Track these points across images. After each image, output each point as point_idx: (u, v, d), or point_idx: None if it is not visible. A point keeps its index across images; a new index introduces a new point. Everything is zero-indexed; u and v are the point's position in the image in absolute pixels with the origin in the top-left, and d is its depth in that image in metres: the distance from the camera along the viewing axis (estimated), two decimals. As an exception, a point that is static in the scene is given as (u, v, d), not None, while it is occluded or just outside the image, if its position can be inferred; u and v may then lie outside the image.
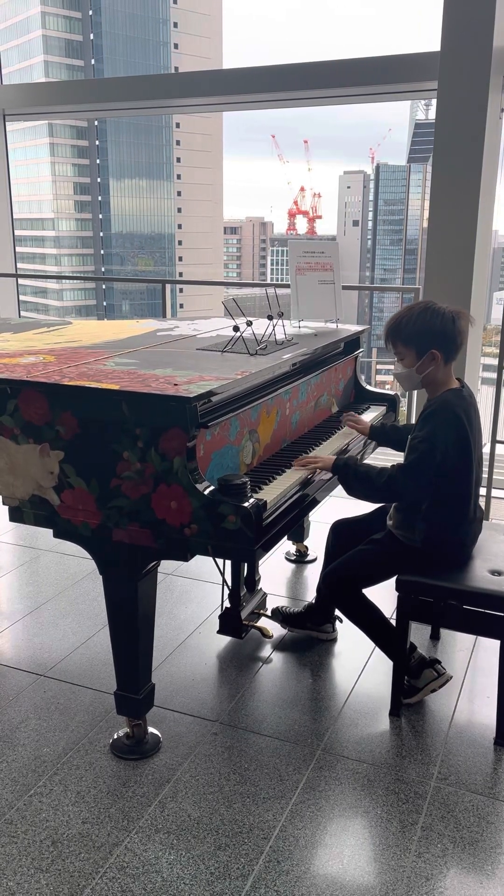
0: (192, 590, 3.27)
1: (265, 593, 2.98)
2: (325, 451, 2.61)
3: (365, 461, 2.63)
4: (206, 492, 1.93)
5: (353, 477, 2.34)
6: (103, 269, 75.37)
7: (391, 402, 3.33)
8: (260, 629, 2.79)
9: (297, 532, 3.52)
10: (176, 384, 2.04)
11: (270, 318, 2.87)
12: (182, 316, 4.64)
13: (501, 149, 4.12)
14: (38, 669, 2.68)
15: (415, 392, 3.96)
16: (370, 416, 3.13)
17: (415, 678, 2.45)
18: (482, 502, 3.72)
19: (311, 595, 3.13)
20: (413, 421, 3.18)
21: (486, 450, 2.94)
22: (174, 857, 1.89)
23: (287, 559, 3.54)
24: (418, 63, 4.21)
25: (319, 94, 4.73)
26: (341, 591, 2.47)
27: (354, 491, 2.38)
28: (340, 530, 2.73)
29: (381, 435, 2.79)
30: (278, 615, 2.87)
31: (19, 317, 5.97)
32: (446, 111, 3.90)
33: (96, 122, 71.05)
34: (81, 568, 3.44)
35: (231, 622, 2.74)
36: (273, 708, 2.47)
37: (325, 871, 1.86)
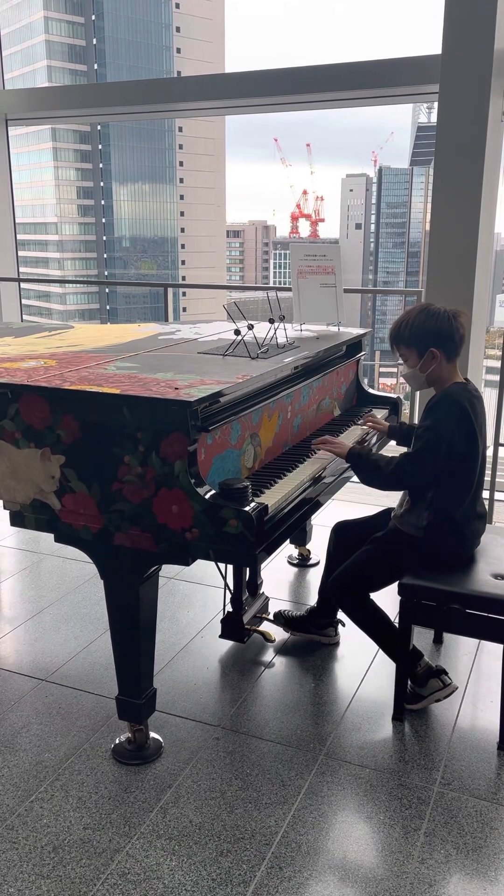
0: (193, 594, 3.26)
1: (267, 597, 2.97)
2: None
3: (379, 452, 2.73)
4: (207, 496, 1.92)
5: (365, 466, 2.43)
6: (106, 273, 75.44)
7: (393, 405, 3.32)
8: (262, 633, 2.79)
9: (300, 535, 3.52)
10: (177, 388, 2.04)
11: (272, 321, 2.86)
12: (185, 319, 4.64)
13: (503, 151, 4.11)
14: (39, 674, 2.68)
15: (418, 394, 3.95)
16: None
17: (420, 686, 2.45)
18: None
19: (313, 598, 3.12)
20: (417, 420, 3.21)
21: (489, 452, 2.94)
22: (175, 864, 1.88)
23: (289, 563, 3.54)
24: (420, 66, 4.20)
25: (322, 98, 4.72)
26: (347, 595, 2.47)
27: (364, 479, 2.49)
28: (342, 533, 2.73)
29: (399, 433, 2.89)
30: (280, 619, 2.87)
31: (22, 321, 5.98)
32: (447, 114, 3.89)
33: (99, 127, 71.13)
34: (83, 572, 3.43)
35: (233, 626, 2.73)
36: (275, 713, 2.46)
37: (327, 877, 1.85)
